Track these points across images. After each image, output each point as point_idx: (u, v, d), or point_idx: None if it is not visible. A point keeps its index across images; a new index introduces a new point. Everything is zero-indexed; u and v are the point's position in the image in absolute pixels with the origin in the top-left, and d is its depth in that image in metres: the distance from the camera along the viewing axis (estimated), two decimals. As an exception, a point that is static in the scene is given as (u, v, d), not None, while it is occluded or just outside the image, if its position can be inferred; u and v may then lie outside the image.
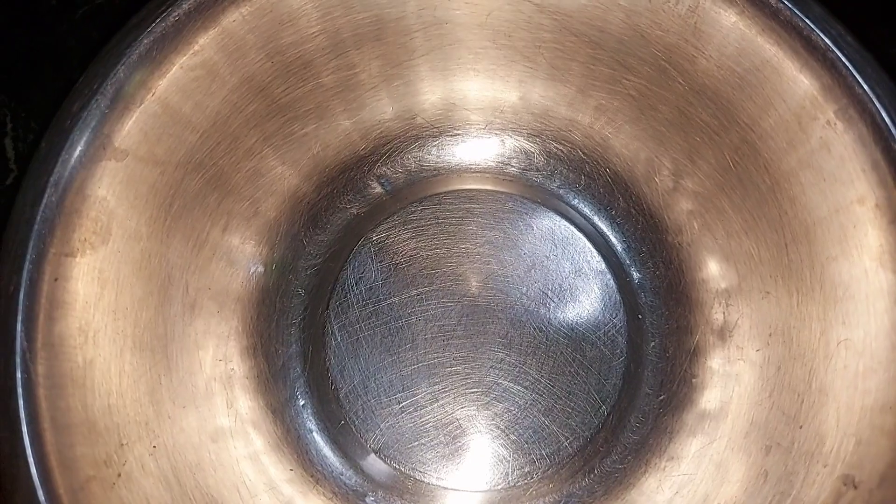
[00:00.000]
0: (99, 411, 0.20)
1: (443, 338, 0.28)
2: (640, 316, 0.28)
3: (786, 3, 0.21)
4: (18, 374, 0.19)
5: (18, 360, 0.19)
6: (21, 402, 0.19)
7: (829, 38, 0.21)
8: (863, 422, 0.20)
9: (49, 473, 0.19)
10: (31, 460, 0.18)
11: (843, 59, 0.20)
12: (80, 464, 0.19)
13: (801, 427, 0.22)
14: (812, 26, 0.21)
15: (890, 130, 0.20)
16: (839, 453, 0.20)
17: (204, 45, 0.23)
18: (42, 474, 0.18)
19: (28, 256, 0.19)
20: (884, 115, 0.20)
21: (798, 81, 0.22)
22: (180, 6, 0.22)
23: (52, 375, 0.20)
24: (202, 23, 0.22)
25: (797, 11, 0.21)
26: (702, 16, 0.23)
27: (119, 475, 0.20)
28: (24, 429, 0.19)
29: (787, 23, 0.21)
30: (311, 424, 0.27)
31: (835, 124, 0.21)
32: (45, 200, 0.20)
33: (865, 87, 0.20)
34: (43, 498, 0.18)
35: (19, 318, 0.19)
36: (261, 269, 0.27)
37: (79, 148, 0.21)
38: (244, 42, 0.23)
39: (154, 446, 0.22)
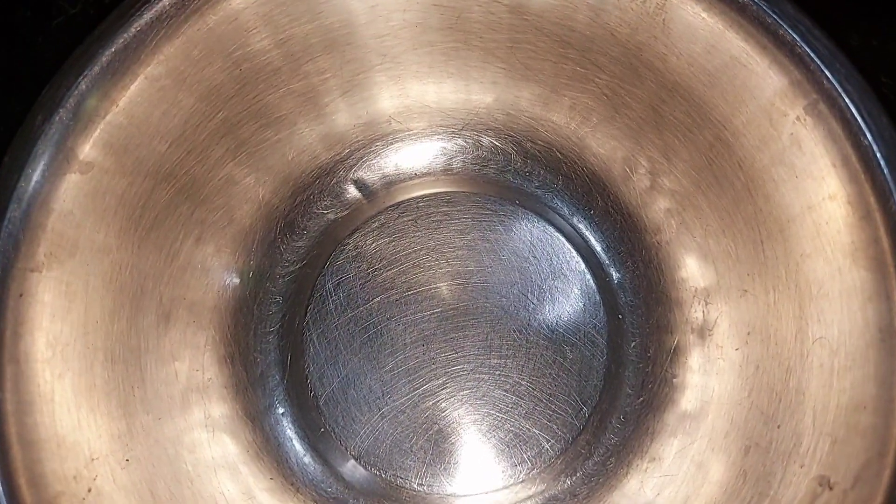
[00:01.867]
0: (68, 426, 0.20)
1: (422, 342, 0.28)
2: (620, 316, 0.28)
3: (753, -2, 0.21)
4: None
5: (-17, 377, 0.19)
6: (-13, 419, 0.19)
7: (797, 34, 0.21)
8: (838, 421, 0.20)
9: (17, 490, 0.18)
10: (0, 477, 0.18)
11: (812, 53, 0.20)
12: (48, 480, 0.19)
13: (778, 427, 0.22)
14: (780, 21, 0.21)
15: (860, 125, 0.20)
16: (815, 453, 0.20)
17: (169, 54, 0.22)
18: (9, 491, 0.18)
19: (-8, 274, 0.19)
20: (853, 110, 0.20)
21: (767, 77, 0.22)
22: (142, 16, 0.22)
23: (19, 391, 0.20)
24: (165, 32, 0.22)
25: (764, 7, 0.21)
26: (669, 12, 0.22)
27: (89, 490, 0.20)
28: (-10, 446, 0.18)
29: (755, 18, 0.21)
30: (291, 432, 0.27)
31: (805, 120, 0.21)
32: (8, 215, 0.20)
33: (834, 81, 0.20)
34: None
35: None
36: (236, 278, 0.27)
37: (42, 161, 0.20)
38: (211, 50, 0.23)
39: (127, 459, 0.22)
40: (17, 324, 0.20)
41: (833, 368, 0.21)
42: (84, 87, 0.21)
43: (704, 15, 0.22)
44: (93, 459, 0.21)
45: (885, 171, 0.19)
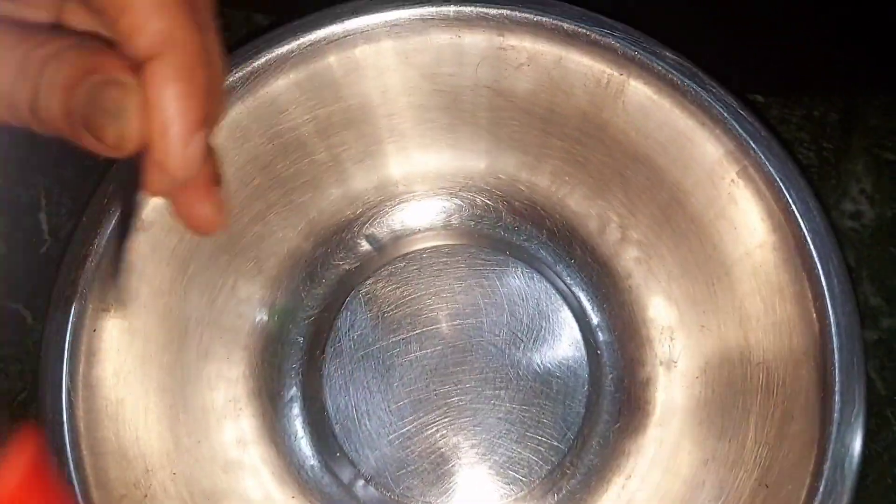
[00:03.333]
0: (128, 442, 0.24)
1: (426, 376, 0.32)
2: (598, 352, 0.32)
3: (690, 83, 0.26)
4: (64, 410, 0.23)
5: (64, 398, 0.23)
6: (66, 433, 0.23)
7: (728, 112, 0.25)
8: (773, 431, 0.24)
9: (88, 492, 0.22)
10: (74, 481, 0.22)
11: (739, 128, 0.25)
12: (113, 485, 0.23)
13: (729, 440, 0.26)
14: (713, 103, 0.25)
15: (780, 185, 0.24)
16: (756, 460, 0.24)
17: (217, 133, 0.27)
18: (83, 493, 0.22)
19: (73, 311, 0.24)
20: (774, 173, 0.24)
21: (708, 148, 0.26)
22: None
23: (91, 411, 0.24)
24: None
25: (701, 92, 0.26)
26: (627, 95, 0.27)
27: (146, 496, 0.24)
28: (69, 454, 0.22)
29: (694, 100, 0.26)
30: (310, 455, 0.31)
31: (738, 182, 0.25)
32: (87, 265, 0.24)
33: (759, 151, 0.25)
34: (84, 512, 0.22)
35: (65, 362, 0.23)
36: (264, 319, 0.31)
37: (113, 221, 0.25)
38: (248, 129, 0.28)
39: (174, 473, 0.26)
40: (90, 354, 0.24)
41: (769, 387, 0.24)
42: (149, 160, 0.25)
43: (655, 97, 0.27)
44: (148, 470, 0.24)
45: (801, 222, 0.24)
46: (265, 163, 0.29)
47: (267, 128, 0.29)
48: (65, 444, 0.22)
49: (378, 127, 0.30)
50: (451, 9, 0.27)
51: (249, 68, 0.26)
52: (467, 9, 0.27)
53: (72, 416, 0.23)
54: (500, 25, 0.27)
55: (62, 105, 0.15)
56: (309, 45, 0.26)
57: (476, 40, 0.28)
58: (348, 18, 0.26)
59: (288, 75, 0.26)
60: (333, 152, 0.31)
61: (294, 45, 0.26)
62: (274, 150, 0.29)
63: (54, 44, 0.16)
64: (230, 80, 0.26)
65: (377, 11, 0.26)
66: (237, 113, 0.27)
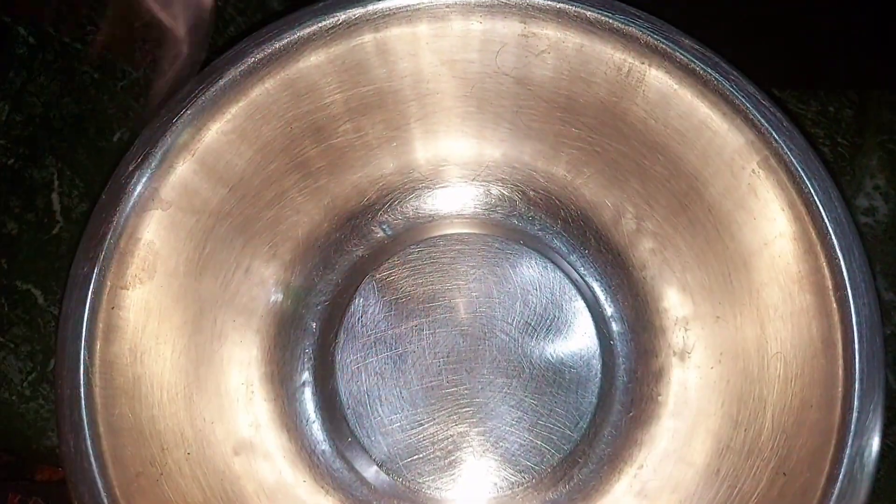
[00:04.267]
0: (145, 420, 0.24)
1: (438, 363, 0.32)
2: (611, 342, 0.32)
3: (712, 73, 0.26)
4: (82, 386, 0.23)
5: (82, 374, 0.23)
6: (83, 410, 0.22)
7: (750, 103, 0.25)
8: (790, 420, 0.24)
9: (105, 469, 0.22)
10: (91, 457, 0.22)
11: (762, 119, 0.25)
12: (130, 462, 0.23)
13: (745, 430, 0.26)
14: (736, 93, 0.25)
15: (801, 176, 0.24)
16: (773, 448, 0.24)
17: (235, 113, 0.27)
18: (100, 469, 0.22)
19: (91, 288, 0.23)
20: (796, 163, 0.24)
21: (728, 138, 0.26)
22: (216, 82, 0.27)
23: (108, 388, 0.23)
24: (234, 95, 0.27)
25: (723, 81, 0.25)
26: (648, 84, 0.27)
27: (161, 474, 0.24)
28: (86, 431, 0.22)
29: (716, 90, 0.26)
30: (322, 440, 0.31)
31: (759, 172, 0.25)
32: (105, 243, 0.24)
33: (780, 141, 0.25)
34: (101, 488, 0.21)
35: (83, 339, 0.23)
36: (278, 302, 0.31)
37: (132, 199, 0.25)
38: (268, 111, 0.28)
39: (188, 453, 0.26)
40: (108, 331, 0.24)
41: (787, 377, 0.24)
42: (169, 139, 0.25)
43: (676, 87, 0.27)
44: (164, 449, 0.24)
45: (823, 212, 0.24)
46: (284, 145, 0.29)
47: (284, 111, 0.28)
48: (83, 420, 0.22)
49: (394, 114, 0.30)
50: (471, -6, 0.27)
51: (272, 48, 0.26)
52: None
53: (89, 392, 0.23)
54: (523, 12, 0.27)
55: None
56: (333, 26, 0.26)
57: (498, 27, 0.28)
58: (372, 1, 0.26)
59: (310, 57, 0.26)
60: (347, 138, 0.31)
61: (318, 26, 0.26)
62: (291, 134, 0.29)
63: None
64: (254, 59, 0.26)
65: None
66: (259, 93, 0.27)
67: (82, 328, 0.23)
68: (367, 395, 0.31)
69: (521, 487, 0.30)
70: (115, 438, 0.23)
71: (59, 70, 0.39)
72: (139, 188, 0.25)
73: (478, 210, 0.33)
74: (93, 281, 0.24)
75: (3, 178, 0.37)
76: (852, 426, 0.21)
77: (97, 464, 0.22)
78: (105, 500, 0.21)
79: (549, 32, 0.27)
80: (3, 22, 0.40)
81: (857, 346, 0.22)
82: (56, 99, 0.38)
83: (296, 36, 0.26)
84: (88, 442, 0.22)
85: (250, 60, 0.26)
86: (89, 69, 0.39)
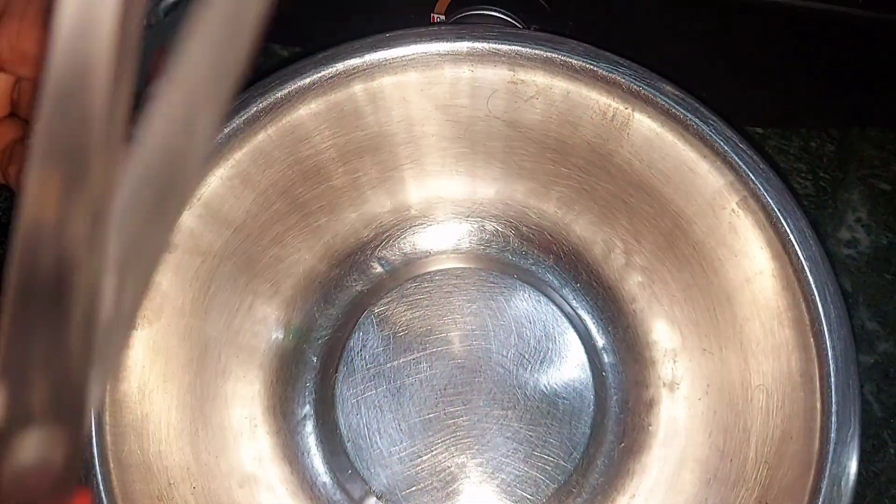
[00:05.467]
0: (153, 456, 0.25)
1: (435, 396, 0.33)
2: (603, 373, 0.33)
3: (692, 117, 0.27)
4: (93, 424, 0.24)
5: (92, 412, 0.24)
6: (94, 447, 0.23)
7: (728, 146, 0.27)
8: (772, 451, 0.25)
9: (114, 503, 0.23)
10: (101, 493, 0.23)
11: (739, 161, 0.26)
12: (139, 497, 0.24)
13: (731, 460, 0.27)
14: (715, 137, 0.27)
15: (778, 215, 0.26)
16: (757, 478, 0.25)
17: (239, 159, 0.29)
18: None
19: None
20: (773, 203, 0.26)
21: (709, 178, 0.27)
22: (222, 130, 0.28)
23: (117, 425, 0.25)
24: (238, 142, 0.28)
25: (703, 126, 0.27)
26: (632, 128, 0.29)
27: (169, 507, 0.25)
28: (97, 468, 0.23)
29: (696, 134, 0.27)
30: (323, 472, 0.32)
31: (738, 212, 0.27)
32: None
33: (757, 182, 0.26)
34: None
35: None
36: (280, 338, 0.32)
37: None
38: (271, 156, 0.29)
39: (194, 487, 0.26)
40: (118, 370, 0.25)
41: (769, 409, 0.25)
42: (177, 186, 0.27)
43: (659, 130, 0.28)
44: (170, 484, 0.25)
45: (799, 251, 0.25)
46: (285, 187, 0.30)
47: (289, 154, 0.30)
48: (93, 457, 0.23)
49: (391, 155, 0.31)
50: (465, 45, 0.28)
51: (274, 98, 0.27)
52: (480, 45, 0.28)
53: (100, 429, 0.24)
54: (512, 61, 0.29)
55: None
56: (332, 76, 0.27)
57: (488, 74, 0.29)
58: (368, 52, 0.28)
59: (310, 105, 0.28)
60: (347, 178, 0.32)
61: (317, 76, 0.27)
62: (293, 177, 0.31)
63: None
64: (257, 108, 0.27)
65: (395, 46, 0.28)
66: (261, 140, 0.29)
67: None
68: (367, 428, 0.32)
69: (516, 517, 0.31)
70: (125, 474, 0.24)
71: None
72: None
73: (473, 246, 0.35)
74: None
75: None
76: (829, 457, 0.22)
77: (108, 499, 0.23)
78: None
79: (538, 79, 0.29)
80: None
81: (832, 380, 0.23)
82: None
83: (295, 86, 0.27)
84: (100, 478, 0.23)
85: (252, 110, 0.28)
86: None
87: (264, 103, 0.27)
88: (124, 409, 0.25)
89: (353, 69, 0.28)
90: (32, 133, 0.11)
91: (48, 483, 0.12)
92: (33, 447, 0.12)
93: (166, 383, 0.27)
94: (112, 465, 0.24)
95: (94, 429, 0.24)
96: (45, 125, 0.11)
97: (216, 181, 0.28)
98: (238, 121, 0.28)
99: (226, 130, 0.28)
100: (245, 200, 0.30)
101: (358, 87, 0.28)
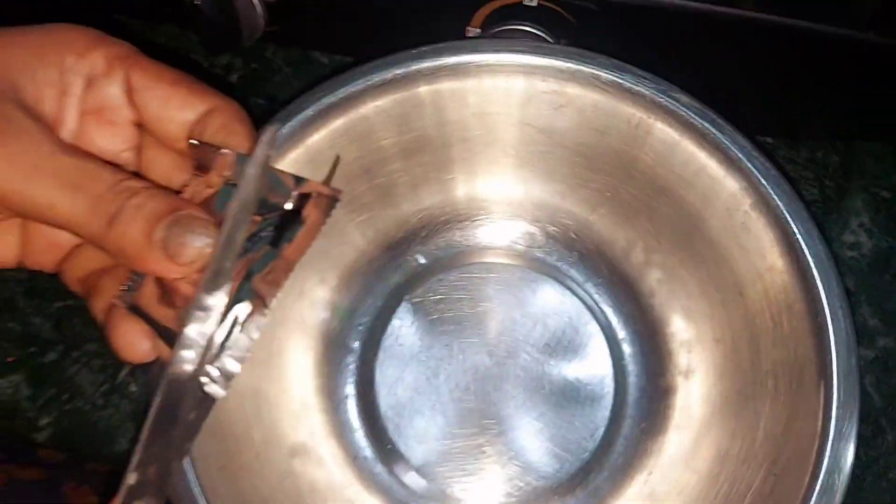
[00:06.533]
0: (223, 423, 0.28)
1: (467, 379, 0.35)
2: (623, 362, 0.36)
3: (710, 127, 0.30)
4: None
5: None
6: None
7: (742, 153, 0.29)
8: (779, 427, 0.27)
9: (194, 462, 0.26)
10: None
11: (752, 167, 0.29)
12: (212, 458, 0.27)
13: (742, 439, 0.29)
14: (729, 145, 0.29)
15: (787, 217, 0.28)
16: (766, 454, 0.28)
17: (294, 159, 0.31)
18: (190, 462, 0.26)
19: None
20: (782, 206, 0.28)
21: (724, 183, 0.30)
22: (280, 131, 0.31)
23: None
24: (293, 143, 0.31)
25: (719, 135, 0.30)
26: (654, 136, 0.31)
27: (238, 469, 0.28)
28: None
29: (713, 143, 0.30)
30: (365, 447, 0.34)
31: (751, 214, 0.29)
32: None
33: (768, 187, 0.29)
34: (192, 478, 0.25)
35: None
36: (326, 321, 0.35)
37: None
38: (323, 155, 0.32)
39: (257, 454, 0.29)
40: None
41: (777, 392, 0.28)
42: (244, 182, 0.30)
43: (678, 138, 0.31)
44: (238, 449, 0.28)
45: (805, 249, 0.28)
46: (347, 181, 0.33)
47: (342, 154, 0.33)
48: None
49: (436, 157, 0.34)
50: (505, 57, 0.31)
51: (345, 93, 0.30)
52: (516, 57, 0.31)
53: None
54: (545, 73, 0.31)
55: (145, 228, 0.20)
56: (402, 76, 0.30)
57: (522, 85, 0.32)
58: (435, 57, 0.30)
59: (377, 101, 0.31)
60: (391, 178, 0.35)
61: (388, 75, 0.30)
62: (343, 175, 0.33)
63: (142, 182, 0.21)
64: (326, 103, 0.30)
65: (459, 54, 0.31)
66: (314, 140, 0.32)
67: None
68: (404, 408, 0.35)
69: (540, 492, 0.34)
70: (199, 438, 0.27)
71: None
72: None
73: (503, 242, 0.37)
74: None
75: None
76: (831, 433, 0.25)
77: (191, 467, 0.26)
78: (195, 489, 0.25)
79: (568, 90, 0.32)
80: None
81: (835, 366, 0.26)
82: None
83: (356, 88, 0.30)
84: (179, 440, 0.26)
85: (309, 112, 0.30)
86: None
87: (332, 99, 0.30)
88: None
89: (421, 71, 0.30)
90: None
91: None
92: None
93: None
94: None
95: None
96: None
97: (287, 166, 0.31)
98: (295, 123, 0.31)
99: (283, 130, 0.31)
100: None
101: (423, 89, 0.31)
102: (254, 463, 0.29)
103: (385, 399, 0.35)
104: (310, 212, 0.22)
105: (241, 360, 0.20)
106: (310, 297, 0.35)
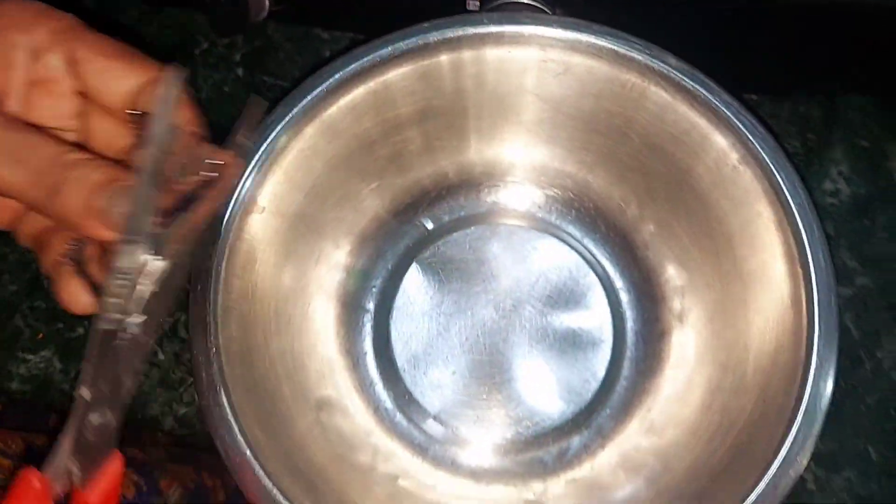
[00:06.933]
0: (258, 379, 0.30)
1: (476, 332, 0.38)
2: (621, 309, 0.38)
3: (699, 88, 0.32)
4: (212, 355, 0.29)
5: (211, 346, 0.29)
6: (215, 373, 0.29)
7: (730, 111, 0.31)
8: (767, 361, 0.30)
9: (239, 420, 0.28)
10: (227, 411, 0.28)
11: (739, 124, 0.31)
12: (252, 414, 0.29)
13: (733, 372, 0.32)
14: (718, 104, 0.31)
15: (772, 169, 0.31)
16: (755, 384, 0.30)
17: (311, 133, 0.33)
18: (237, 421, 0.28)
19: (213, 275, 0.30)
20: (767, 160, 0.31)
21: (713, 139, 0.32)
22: (294, 107, 0.32)
23: (227, 356, 0.30)
24: (309, 117, 0.33)
25: (708, 95, 0.32)
26: (647, 98, 0.33)
27: (276, 421, 0.30)
28: (219, 387, 0.28)
29: (703, 102, 0.32)
30: (385, 399, 0.37)
31: (738, 167, 0.32)
32: (220, 238, 0.30)
33: (754, 142, 0.31)
34: (243, 443, 0.28)
35: (210, 312, 0.29)
36: (343, 281, 0.37)
37: (239, 206, 0.31)
38: (336, 130, 0.34)
39: (288, 407, 0.32)
40: (225, 313, 0.30)
41: (765, 328, 0.31)
42: (264, 157, 0.31)
43: (670, 99, 0.33)
44: (273, 403, 0.31)
45: (789, 198, 0.30)
46: (344, 158, 0.35)
47: (347, 129, 0.34)
48: (214, 380, 0.28)
49: (441, 126, 0.36)
50: (505, 28, 0.33)
51: (367, 60, 0.32)
52: (515, 28, 0.33)
53: (218, 358, 0.29)
54: (543, 42, 0.33)
55: (85, 198, 0.22)
56: (426, 43, 0.32)
57: (522, 54, 0.34)
58: (459, 27, 0.32)
59: (401, 68, 0.32)
60: (397, 148, 0.37)
61: (413, 43, 0.32)
62: (351, 148, 0.35)
63: (83, 153, 0.23)
64: (354, 68, 0.32)
65: (455, 27, 0.32)
66: (327, 115, 0.33)
67: (209, 303, 0.29)
68: (419, 361, 0.37)
69: (550, 431, 0.37)
70: (239, 395, 0.29)
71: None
72: (244, 196, 0.31)
73: (506, 204, 0.40)
74: (213, 269, 0.30)
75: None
76: (813, 362, 0.28)
77: (231, 413, 0.28)
78: (240, 441, 0.28)
79: (565, 58, 0.34)
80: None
81: (816, 302, 0.29)
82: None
83: (380, 53, 0.32)
84: (223, 396, 0.28)
85: (335, 79, 0.32)
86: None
87: (356, 64, 0.32)
88: (231, 344, 0.30)
89: (444, 40, 0.32)
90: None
91: (104, 438, 0.23)
92: (98, 417, 0.22)
93: (259, 323, 0.32)
94: (230, 385, 0.29)
95: (213, 359, 0.29)
96: None
97: (294, 152, 0.33)
98: (306, 100, 0.32)
99: (298, 106, 0.32)
100: (314, 170, 0.34)
101: (444, 57, 0.32)
102: (287, 416, 0.31)
103: (401, 354, 0.38)
104: (220, 178, 0.25)
105: (147, 308, 0.23)
106: (326, 263, 0.37)
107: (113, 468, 0.23)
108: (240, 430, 0.28)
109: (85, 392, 0.22)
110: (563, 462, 0.36)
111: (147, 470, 0.35)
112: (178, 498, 0.37)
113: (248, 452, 0.28)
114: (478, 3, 0.37)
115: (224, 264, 0.30)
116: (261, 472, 0.28)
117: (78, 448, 0.22)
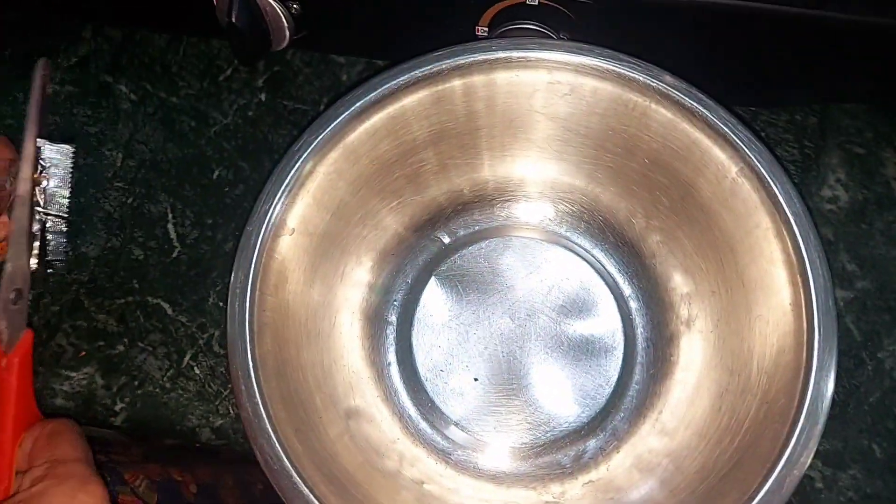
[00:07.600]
0: (292, 391, 0.32)
1: (494, 341, 0.40)
2: (631, 317, 0.40)
3: (698, 106, 0.34)
4: (250, 368, 0.31)
5: (249, 360, 0.31)
6: (254, 384, 0.31)
7: (728, 127, 0.33)
8: (770, 364, 0.32)
9: (274, 424, 0.30)
10: (265, 419, 0.30)
11: (737, 139, 0.33)
12: (286, 422, 0.31)
13: (738, 375, 0.34)
14: (716, 121, 0.33)
15: (769, 181, 0.32)
16: (759, 386, 0.32)
17: (335, 158, 0.35)
18: (272, 425, 0.30)
19: (248, 295, 0.32)
20: (764, 172, 0.32)
21: (713, 154, 0.34)
22: (320, 134, 0.35)
23: (264, 369, 0.32)
24: (333, 143, 0.35)
25: (706, 112, 0.34)
26: (650, 116, 0.35)
27: (308, 430, 0.32)
28: (258, 397, 0.30)
29: (701, 119, 0.34)
30: (409, 407, 0.39)
31: (737, 180, 0.34)
32: (253, 260, 0.32)
33: (752, 155, 0.33)
34: (276, 441, 0.30)
35: (247, 340, 0.31)
36: (366, 296, 0.39)
37: (271, 228, 0.33)
38: (358, 153, 0.36)
39: (320, 417, 0.34)
40: (260, 329, 0.32)
41: (767, 333, 0.33)
42: (291, 181, 0.34)
43: (671, 117, 0.35)
44: (306, 413, 0.33)
45: (786, 208, 0.32)
46: (366, 179, 0.37)
47: (367, 152, 0.37)
48: (254, 390, 0.30)
49: (454, 147, 0.38)
50: (513, 53, 0.35)
51: (386, 88, 0.34)
52: (522, 53, 0.35)
53: (256, 371, 0.31)
54: (549, 66, 0.35)
55: None
56: (440, 70, 0.34)
57: (530, 77, 0.36)
58: (469, 54, 0.34)
59: (416, 94, 0.34)
60: (414, 168, 0.39)
61: (427, 70, 0.34)
62: (372, 168, 0.37)
63: None
64: (373, 96, 0.34)
65: (467, 54, 0.34)
66: (350, 140, 0.36)
67: (245, 326, 0.31)
68: (440, 370, 0.39)
69: (567, 434, 0.39)
70: (276, 407, 0.31)
71: (161, 120, 0.47)
72: (273, 220, 0.33)
73: (519, 218, 0.42)
74: (248, 289, 0.32)
75: (127, 214, 0.45)
76: (814, 364, 0.30)
77: (270, 424, 0.30)
78: (278, 448, 0.30)
79: (570, 79, 0.36)
80: (107, 81, 0.48)
81: (815, 306, 0.30)
82: (161, 145, 0.47)
83: (396, 82, 0.34)
84: (261, 408, 0.30)
85: (342, 117, 0.34)
86: (186, 118, 0.47)
87: (375, 93, 0.34)
88: (266, 358, 0.32)
89: (456, 66, 0.34)
90: None
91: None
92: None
93: (291, 338, 0.34)
94: (267, 395, 0.31)
95: (252, 371, 0.31)
96: None
97: (320, 176, 0.35)
98: (330, 127, 0.35)
99: (323, 134, 0.34)
100: (338, 190, 0.37)
101: (456, 82, 0.34)
102: (319, 425, 0.33)
103: (423, 364, 0.40)
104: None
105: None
106: (350, 278, 0.39)
107: (26, 338, 0.32)
108: (278, 440, 0.30)
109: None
110: (580, 464, 0.38)
111: (110, 467, 0.37)
112: (144, 488, 0.38)
113: (286, 461, 0.30)
114: (486, 30, 0.39)
115: (259, 284, 0.32)
116: (298, 480, 0.30)
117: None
